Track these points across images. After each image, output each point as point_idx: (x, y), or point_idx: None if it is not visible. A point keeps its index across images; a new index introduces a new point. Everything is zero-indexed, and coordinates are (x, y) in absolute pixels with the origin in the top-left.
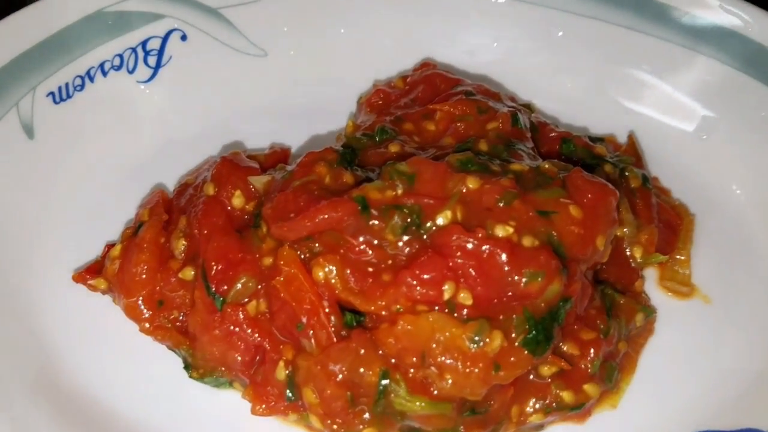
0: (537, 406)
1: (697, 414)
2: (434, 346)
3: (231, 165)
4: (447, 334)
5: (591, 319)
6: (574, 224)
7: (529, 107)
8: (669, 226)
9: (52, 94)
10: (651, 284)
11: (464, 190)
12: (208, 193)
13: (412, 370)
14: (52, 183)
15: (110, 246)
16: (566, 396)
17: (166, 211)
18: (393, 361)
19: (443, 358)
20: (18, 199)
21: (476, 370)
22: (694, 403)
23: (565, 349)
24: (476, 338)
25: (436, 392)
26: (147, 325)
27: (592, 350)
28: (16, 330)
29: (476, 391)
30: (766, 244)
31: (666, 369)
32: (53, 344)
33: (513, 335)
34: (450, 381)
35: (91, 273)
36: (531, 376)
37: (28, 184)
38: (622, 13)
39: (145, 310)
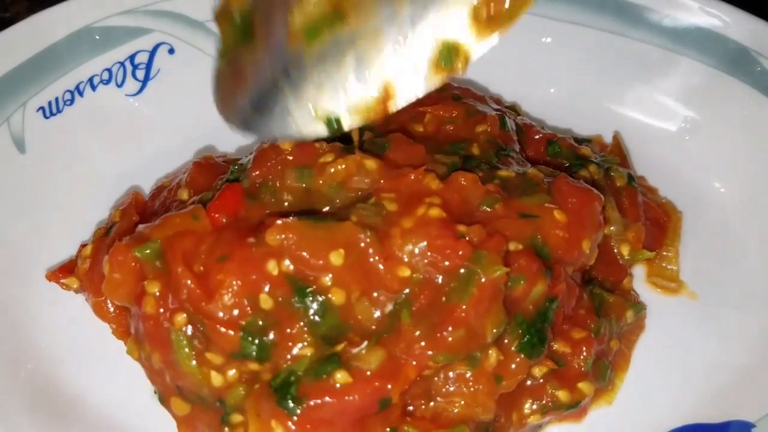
0: (534, 407)
1: (687, 407)
2: (435, 379)
3: (204, 169)
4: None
5: (581, 319)
6: (558, 228)
7: (514, 108)
8: (656, 223)
9: (42, 108)
10: (640, 282)
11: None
12: (182, 198)
13: (423, 406)
14: (44, 196)
15: (84, 245)
16: (562, 395)
17: (140, 213)
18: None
19: (447, 387)
20: (10, 212)
21: (480, 387)
22: (684, 396)
23: (556, 348)
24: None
25: (449, 420)
26: (114, 325)
27: (584, 348)
28: (9, 342)
29: (488, 406)
30: (749, 239)
31: (657, 364)
32: (47, 355)
33: (506, 341)
34: (462, 403)
35: (64, 272)
36: (528, 382)
37: (20, 197)
38: (604, 18)
39: (111, 309)
